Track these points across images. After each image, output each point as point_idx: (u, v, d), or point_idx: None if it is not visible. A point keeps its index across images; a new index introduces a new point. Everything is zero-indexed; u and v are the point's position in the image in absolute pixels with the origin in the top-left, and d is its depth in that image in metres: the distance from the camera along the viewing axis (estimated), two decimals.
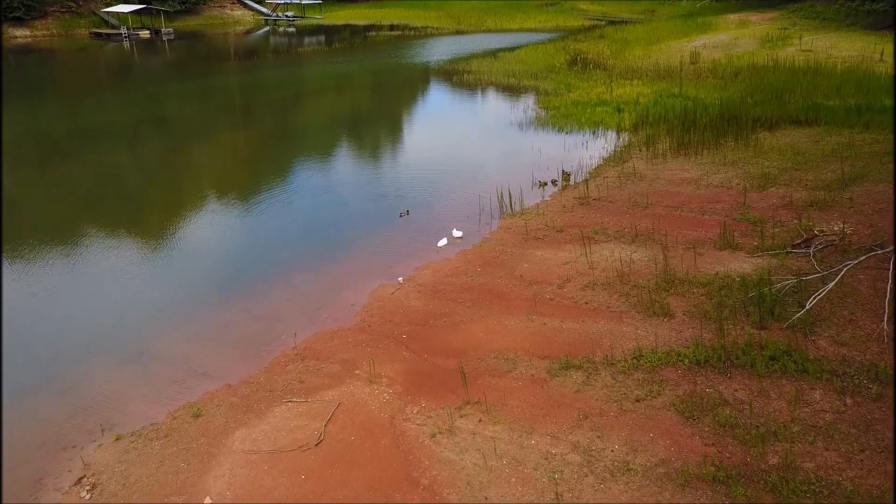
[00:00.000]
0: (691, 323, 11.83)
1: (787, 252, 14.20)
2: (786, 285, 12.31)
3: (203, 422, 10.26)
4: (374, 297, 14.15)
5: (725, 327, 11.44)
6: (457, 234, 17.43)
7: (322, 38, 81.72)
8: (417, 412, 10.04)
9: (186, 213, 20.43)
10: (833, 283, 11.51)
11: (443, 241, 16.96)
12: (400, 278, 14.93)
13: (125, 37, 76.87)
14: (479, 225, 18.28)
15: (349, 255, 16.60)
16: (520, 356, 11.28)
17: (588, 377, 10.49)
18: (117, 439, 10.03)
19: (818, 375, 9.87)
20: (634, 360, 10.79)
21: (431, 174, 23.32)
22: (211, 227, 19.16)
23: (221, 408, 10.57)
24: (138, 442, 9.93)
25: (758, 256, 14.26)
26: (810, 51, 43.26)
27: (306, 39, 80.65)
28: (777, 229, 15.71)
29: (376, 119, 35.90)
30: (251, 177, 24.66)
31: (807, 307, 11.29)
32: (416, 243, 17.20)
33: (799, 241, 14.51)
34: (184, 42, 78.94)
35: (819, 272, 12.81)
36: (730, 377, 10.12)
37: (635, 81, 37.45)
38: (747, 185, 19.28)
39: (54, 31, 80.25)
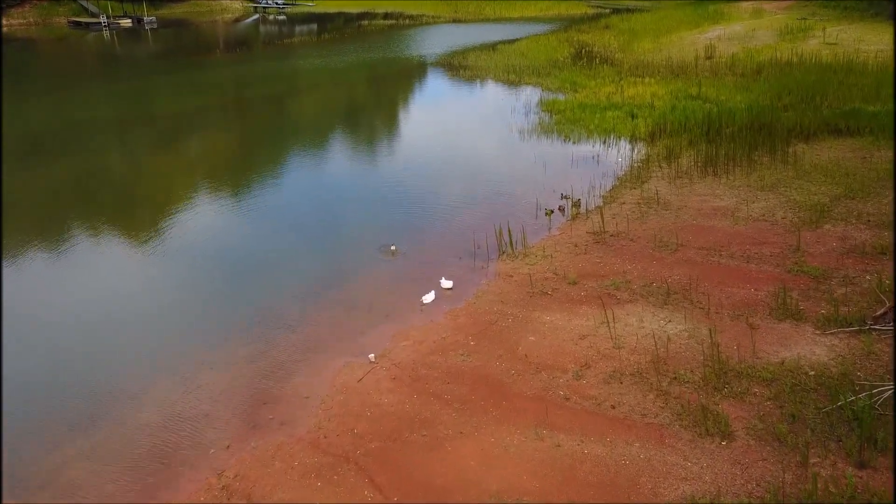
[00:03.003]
0: (760, 450, 8.63)
1: (868, 328, 10.97)
2: (884, 392, 9.10)
3: None
4: (336, 387, 10.95)
5: (810, 460, 8.23)
6: (446, 284, 14.22)
7: (314, 26, 78.20)
8: None
9: (113, 251, 17.18)
10: None
11: (429, 296, 13.73)
12: (371, 355, 11.73)
13: (105, 26, 73.20)
14: (474, 268, 15.09)
15: (313, 315, 13.38)
16: None
17: None
18: None
19: None
20: None
21: (421, 196, 20.05)
22: (140, 268, 15.90)
23: None
24: None
25: (831, 333, 11.04)
26: (835, 44, 39.87)
27: (297, 28, 77.12)
28: (847, 289, 12.50)
29: (363, 127, 32.54)
30: (213, 192, 21.30)
31: None
32: (397, 296, 14.00)
33: (881, 312, 11.30)
34: (168, 31, 75.36)
35: None
36: None
37: (647, 79, 34.10)
38: (795, 219, 16.06)
39: (31, 19, 76.66)
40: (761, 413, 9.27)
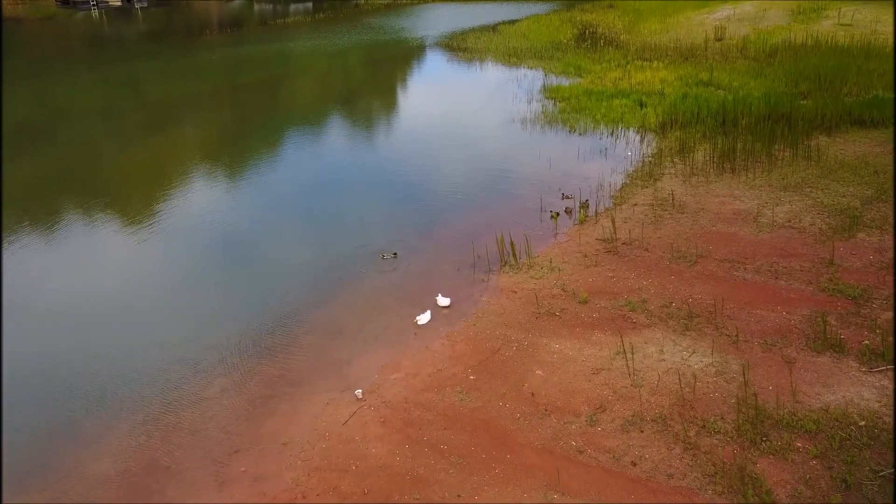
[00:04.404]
0: None
1: None
2: None
3: None
4: (318, 431, 9.67)
5: None
6: (443, 301, 12.90)
7: (309, 5, 76.21)
8: None
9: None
10: None
11: (424, 317, 12.42)
12: (358, 391, 10.44)
13: (94, 5, 71.19)
14: (473, 281, 13.78)
15: (295, 340, 12.09)
16: None
17: None
18: None
19: None
20: None
21: (416, 196, 18.69)
22: (102, 284, 14.59)
23: None
24: None
25: (879, 371, 9.73)
26: (851, 25, 38.19)
27: (292, 7, 75.21)
28: (892, 313, 11.14)
29: (356, 118, 30.95)
30: (192, 188, 19.88)
31: None
32: (389, 316, 12.71)
33: None
34: (159, 11, 73.46)
35: None
36: None
37: (655, 63, 32.50)
38: (825, 225, 14.70)
39: None
40: (807, 476, 7.98)
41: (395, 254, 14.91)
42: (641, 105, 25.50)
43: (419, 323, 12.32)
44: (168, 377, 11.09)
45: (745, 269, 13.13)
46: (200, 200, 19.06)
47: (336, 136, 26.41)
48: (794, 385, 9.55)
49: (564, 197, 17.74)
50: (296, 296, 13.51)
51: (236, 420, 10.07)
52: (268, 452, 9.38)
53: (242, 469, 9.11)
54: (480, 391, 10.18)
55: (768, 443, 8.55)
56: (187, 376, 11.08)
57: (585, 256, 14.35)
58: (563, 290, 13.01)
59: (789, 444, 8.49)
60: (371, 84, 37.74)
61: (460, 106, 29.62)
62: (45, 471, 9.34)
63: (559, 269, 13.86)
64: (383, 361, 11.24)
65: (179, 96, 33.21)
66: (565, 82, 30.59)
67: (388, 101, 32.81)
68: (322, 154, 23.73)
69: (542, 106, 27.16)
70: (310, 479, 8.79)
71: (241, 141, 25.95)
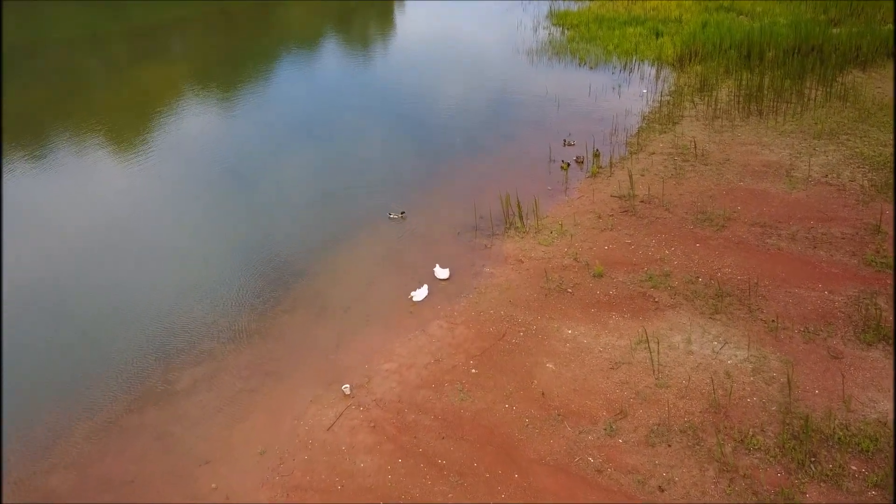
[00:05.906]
0: None
1: None
2: None
3: None
4: (299, 439, 8.51)
5: None
6: (441, 273, 11.57)
7: None
8: None
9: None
10: None
11: (420, 292, 11.13)
12: (346, 386, 9.23)
13: None
14: (474, 247, 12.45)
15: (277, 320, 10.84)
16: None
17: None
18: None
19: None
20: None
21: (411, 144, 17.12)
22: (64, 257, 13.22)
23: None
24: None
25: None
26: None
27: None
28: None
29: (349, 44, 28.74)
30: (177, 128, 18.26)
31: None
32: (381, 290, 11.43)
33: None
34: None
35: None
36: None
37: None
38: (866, 182, 13.22)
39: None
40: None
41: (403, 213, 13.52)
42: (657, 34, 23.50)
43: (415, 299, 11.04)
44: (132, 368, 9.87)
45: (778, 235, 11.73)
46: (183, 139, 17.46)
47: (328, 69, 24.46)
48: (844, 389, 8.32)
49: (566, 144, 16.14)
50: (277, 264, 12.20)
51: (207, 422, 8.91)
52: (242, 465, 8.24)
53: (213, 485, 7.99)
54: (484, 389, 8.97)
55: (818, 465, 7.39)
56: (153, 366, 9.87)
57: (599, 218, 12.92)
58: (575, 259, 11.65)
59: (843, 468, 7.32)
60: (365, 9, 35.16)
61: (461, 35, 27.43)
62: None
63: (570, 234, 12.46)
64: (374, 347, 10.00)
65: (165, 20, 30.85)
66: (573, 6, 28.34)
67: (384, 28, 30.50)
68: (314, 89, 21.94)
69: (549, 34, 25.12)
70: (289, 501, 7.66)
71: (228, 72, 24.01)
